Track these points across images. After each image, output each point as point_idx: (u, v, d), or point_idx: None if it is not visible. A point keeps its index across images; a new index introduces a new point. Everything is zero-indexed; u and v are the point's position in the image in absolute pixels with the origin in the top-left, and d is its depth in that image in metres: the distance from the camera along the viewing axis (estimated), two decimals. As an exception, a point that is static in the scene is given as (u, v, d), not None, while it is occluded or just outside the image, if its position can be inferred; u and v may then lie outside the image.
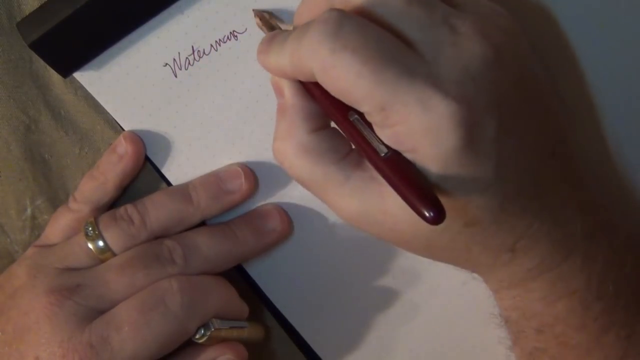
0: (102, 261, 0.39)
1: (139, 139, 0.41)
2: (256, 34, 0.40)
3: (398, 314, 0.45)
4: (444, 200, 0.30)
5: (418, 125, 0.31)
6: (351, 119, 0.33)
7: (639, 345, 0.37)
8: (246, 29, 0.40)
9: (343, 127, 0.34)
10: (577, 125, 0.42)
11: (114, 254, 0.39)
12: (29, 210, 0.43)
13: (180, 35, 0.40)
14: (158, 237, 0.40)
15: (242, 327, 0.41)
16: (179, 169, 0.42)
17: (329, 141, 0.35)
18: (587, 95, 0.43)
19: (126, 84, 0.40)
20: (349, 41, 0.31)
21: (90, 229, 0.39)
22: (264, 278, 0.44)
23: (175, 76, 0.40)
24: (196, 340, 0.39)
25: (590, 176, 0.37)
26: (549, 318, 0.36)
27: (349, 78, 0.31)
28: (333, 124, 0.35)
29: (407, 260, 0.44)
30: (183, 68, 0.40)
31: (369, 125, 0.33)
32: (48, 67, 0.40)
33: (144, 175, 0.42)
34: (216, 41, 0.40)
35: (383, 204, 0.34)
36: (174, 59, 0.40)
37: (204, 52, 0.40)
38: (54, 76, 0.41)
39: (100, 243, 0.39)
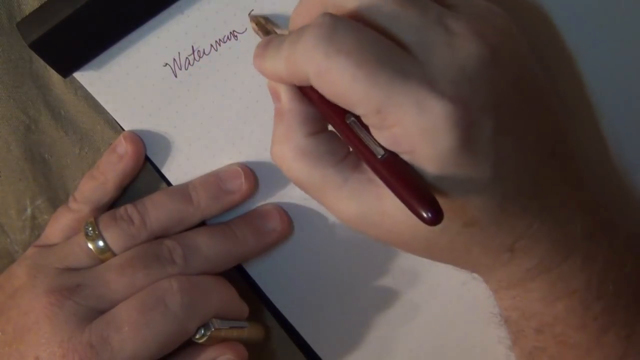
0: (102, 261, 0.39)
1: (139, 139, 0.41)
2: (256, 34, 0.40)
3: (398, 314, 0.45)
4: (442, 201, 0.30)
5: (414, 126, 0.31)
6: (348, 122, 0.33)
7: (638, 345, 0.37)
8: (246, 29, 0.40)
9: (340, 130, 0.34)
10: (576, 125, 0.42)
11: (114, 254, 0.39)
12: (29, 210, 0.43)
13: (180, 35, 0.40)
14: (158, 237, 0.40)
15: (242, 327, 0.41)
16: (179, 169, 0.42)
17: (326, 144, 0.35)
18: (586, 95, 0.43)
19: (126, 84, 0.40)
20: (343, 45, 0.31)
21: (90, 229, 0.39)
22: (264, 278, 0.44)
23: (175, 76, 0.41)
24: (196, 340, 0.39)
25: (590, 176, 0.37)
26: (549, 318, 0.36)
27: (344, 81, 0.31)
28: (330, 127, 0.35)
29: (407, 260, 0.44)
30: (183, 68, 0.40)
31: (366, 127, 0.33)
32: (48, 67, 0.40)
33: (144, 175, 0.42)
34: (216, 41, 0.40)
35: (381, 206, 0.34)
36: (174, 59, 0.40)
37: (204, 52, 0.40)
38: (54, 76, 0.41)
39: (100, 243, 0.39)
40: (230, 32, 0.40)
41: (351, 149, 0.35)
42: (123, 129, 0.41)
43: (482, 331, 0.44)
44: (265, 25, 0.39)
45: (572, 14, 0.42)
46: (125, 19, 0.39)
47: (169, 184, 0.42)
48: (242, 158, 0.42)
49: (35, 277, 0.39)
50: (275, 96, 0.36)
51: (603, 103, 0.43)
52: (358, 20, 0.32)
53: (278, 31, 0.39)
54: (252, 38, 0.40)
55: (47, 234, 0.42)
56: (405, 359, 0.46)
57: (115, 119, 0.41)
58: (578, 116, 0.43)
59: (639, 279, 0.37)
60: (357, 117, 0.33)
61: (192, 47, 0.40)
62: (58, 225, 0.41)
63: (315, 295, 0.45)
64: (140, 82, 0.40)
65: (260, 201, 0.43)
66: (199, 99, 0.41)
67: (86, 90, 0.40)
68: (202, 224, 0.42)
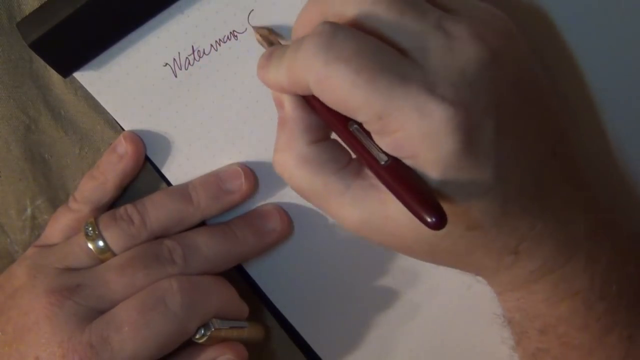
0: (102, 261, 0.39)
1: (139, 139, 0.41)
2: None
3: (398, 314, 0.45)
4: (445, 205, 0.30)
5: (416, 131, 0.31)
6: (351, 129, 0.33)
7: None
8: (246, 29, 0.40)
9: (343, 136, 0.34)
10: (578, 125, 0.42)
11: (114, 254, 0.39)
12: (29, 210, 0.43)
13: (180, 35, 0.40)
14: (158, 237, 0.40)
15: (242, 327, 0.41)
16: (179, 169, 0.42)
17: (329, 152, 0.35)
18: (587, 95, 0.43)
19: (126, 84, 0.40)
20: (342, 52, 0.31)
21: (90, 229, 0.39)
22: (264, 278, 0.44)
23: (175, 76, 0.40)
24: (196, 340, 0.39)
25: (592, 176, 0.37)
26: (552, 319, 0.36)
27: (344, 88, 0.31)
28: (333, 136, 0.36)
29: (407, 260, 0.44)
30: (183, 68, 0.40)
31: (368, 134, 0.33)
32: (48, 67, 0.40)
33: (144, 175, 0.42)
34: (216, 41, 0.40)
35: (385, 211, 0.34)
36: (174, 59, 0.40)
37: (204, 52, 0.40)
38: (54, 76, 0.41)
39: (100, 243, 0.39)
40: (230, 32, 0.40)
41: (354, 156, 0.35)
42: (123, 129, 0.41)
43: (483, 331, 0.44)
44: (269, 37, 0.39)
45: (573, 14, 0.42)
46: (125, 19, 0.39)
47: (169, 184, 0.42)
48: (242, 158, 0.42)
49: (35, 277, 0.39)
50: (279, 104, 0.36)
51: (604, 102, 0.43)
52: (358, 28, 0.32)
53: (282, 42, 0.39)
54: (252, 38, 0.40)
55: (47, 234, 0.42)
56: (405, 359, 0.46)
57: (115, 119, 0.41)
58: (580, 116, 0.43)
59: (640, 279, 0.37)
60: (360, 124, 0.33)
61: (192, 47, 0.40)
62: (58, 225, 0.41)
63: (315, 295, 0.45)
64: (140, 82, 0.40)
65: (260, 201, 0.43)
66: (199, 99, 0.41)
67: (86, 90, 0.40)
68: (202, 224, 0.42)
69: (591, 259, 0.35)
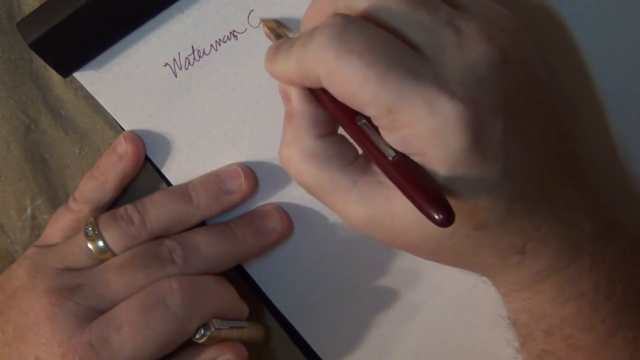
0: (102, 261, 0.39)
1: (139, 139, 0.41)
2: (256, 34, 0.40)
3: (398, 314, 0.45)
4: (452, 203, 0.30)
5: (425, 127, 0.31)
6: (359, 124, 0.33)
7: None
8: (246, 29, 0.40)
9: (351, 131, 0.34)
10: (583, 125, 0.42)
11: (114, 254, 0.39)
12: (29, 210, 0.43)
13: (180, 35, 0.40)
14: (158, 237, 0.40)
15: (242, 327, 0.41)
16: (179, 169, 0.42)
17: (335, 147, 0.35)
18: (593, 95, 0.43)
19: (126, 84, 0.40)
20: (354, 45, 0.31)
21: (90, 229, 0.39)
22: (264, 278, 0.44)
23: (175, 76, 0.40)
24: (196, 340, 0.39)
25: (597, 176, 0.37)
26: (558, 320, 0.36)
27: (355, 82, 0.31)
28: (340, 131, 0.35)
29: (407, 260, 0.44)
30: (183, 68, 0.40)
31: (376, 129, 0.33)
32: (48, 67, 0.40)
33: (144, 175, 0.42)
34: (216, 41, 0.40)
35: (391, 208, 0.33)
36: (174, 59, 0.40)
37: (204, 52, 0.40)
38: (54, 76, 0.41)
39: (100, 243, 0.39)
40: (230, 32, 0.40)
41: (361, 151, 0.35)
42: (123, 129, 0.41)
43: (483, 331, 0.44)
44: (277, 29, 0.39)
45: (579, 13, 0.41)
46: (125, 19, 0.39)
47: (169, 184, 0.42)
48: (242, 158, 0.42)
49: (35, 277, 0.39)
50: (286, 98, 0.36)
51: (609, 103, 0.43)
52: (368, 21, 0.32)
53: (290, 35, 0.39)
54: (252, 38, 0.40)
55: (47, 234, 0.42)
56: (405, 359, 0.46)
57: (115, 119, 0.41)
58: (585, 116, 0.43)
59: (646, 279, 0.37)
60: (368, 119, 0.33)
61: (192, 47, 0.40)
62: (58, 226, 0.41)
63: (315, 295, 0.45)
64: (140, 82, 0.40)
65: (260, 201, 0.43)
66: (199, 99, 0.41)
67: (86, 90, 0.40)
68: (202, 224, 0.42)
69: (596, 260, 0.35)
